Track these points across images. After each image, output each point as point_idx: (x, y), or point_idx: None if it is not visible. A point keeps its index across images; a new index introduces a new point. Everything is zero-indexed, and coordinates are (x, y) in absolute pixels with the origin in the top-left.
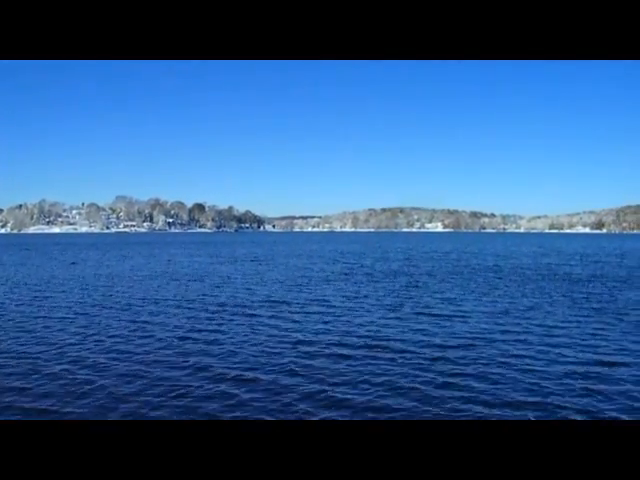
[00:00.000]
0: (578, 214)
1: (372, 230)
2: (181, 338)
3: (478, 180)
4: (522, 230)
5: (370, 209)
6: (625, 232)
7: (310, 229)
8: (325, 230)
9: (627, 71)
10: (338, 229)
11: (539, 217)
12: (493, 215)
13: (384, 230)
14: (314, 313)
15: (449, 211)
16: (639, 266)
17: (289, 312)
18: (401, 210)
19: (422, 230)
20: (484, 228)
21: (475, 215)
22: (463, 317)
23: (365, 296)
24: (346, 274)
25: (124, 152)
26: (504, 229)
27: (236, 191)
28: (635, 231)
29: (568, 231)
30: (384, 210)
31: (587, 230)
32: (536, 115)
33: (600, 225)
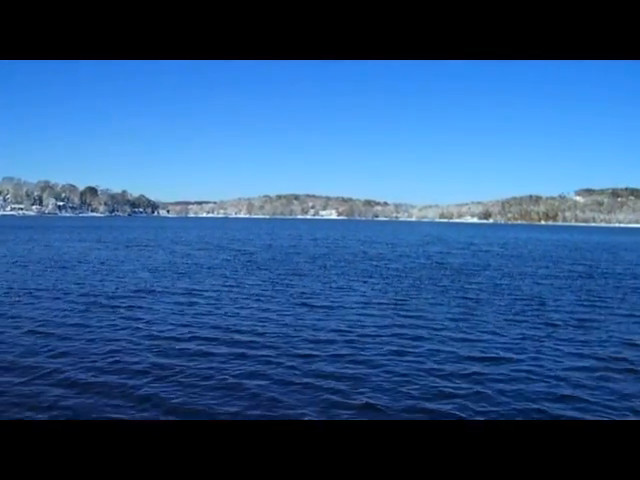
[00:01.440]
0: (467, 204)
1: (267, 216)
2: (32, 331)
3: (372, 169)
4: (414, 219)
5: (265, 196)
6: (510, 222)
7: (205, 215)
8: (220, 216)
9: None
10: (233, 215)
11: (430, 206)
12: (386, 204)
13: (279, 217)
14: (188, 303)
15: (343, 199)
16: (520, 256)
17: (162, 302)
18: (296, 197)
19: (316, 217)
20: (377, 216)
21: (369, 203)
22: (339, 308)
23: (246, 285)
24: (230, 261)
25: (11, 131)
26: (396, 217)
27: (130, 175)
28: (519, 221)
29: (457, 220)
30: (279, 197)
31: (475, 220)
32: (426, 109)
33: (487, 215)
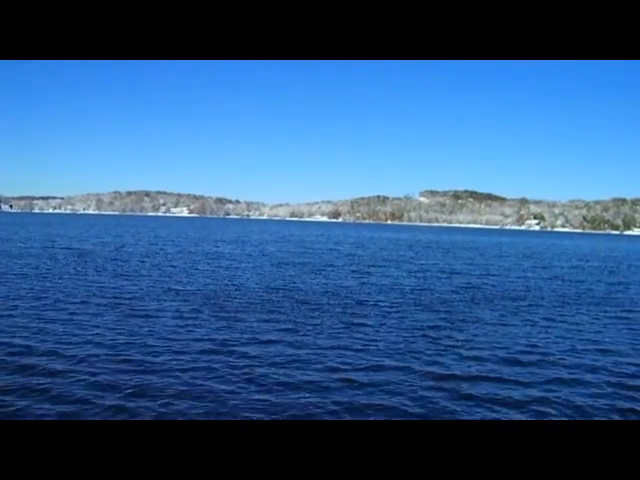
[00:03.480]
0: (317, 203)
1: (117, 213)
2: None
3: (224, 167)
4: (265, 217)
5: (115, 191)
6: (359, 221)
7: (51, 210)
8: (67, 212)
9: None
10: (81, 211)
11: (281, 205)
12: (238, 202)
13: (129, 213)
14: None
15: (195, 196)
16: (362, 256)
17: None
18: (147, 194)
19: (168, 214)
20: (229, 214)
21: (220, 201)
22: (159, 312)
23: (66, 287)
24: (58, 261)
25: None
26: (248, 215)
27: None
28: (367, 221)
29: (308, 219)
30: (129, 193)
31: (325, 219)
32: (281, 107)
33: (337, 214)
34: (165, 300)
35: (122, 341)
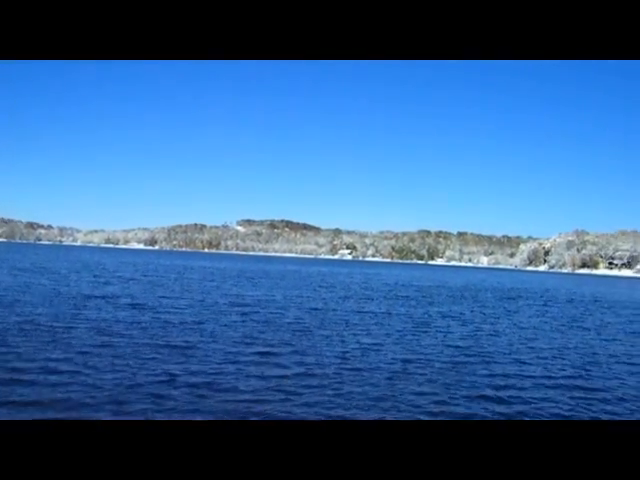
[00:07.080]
0: (133, 230)
1: None
2: None
3: (35, 189)
4: (79, 243)
5: None
6: (176, 249)
7: None
8: None
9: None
10: None
11: (96, 231)
12: (50, 227)
13: None
14: None
15: (3, 220)
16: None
17: None
18: None
19: None
20: (40, 240)
21: (32, 226)
22: None
23: None
24: None
25: None
26: (60, 241)
27: None
28: (184, 249)
29: (123, 246)
30: None
31: (141, 246)
32: (99, 134)
33: (153, 242)
34: None
35: None
